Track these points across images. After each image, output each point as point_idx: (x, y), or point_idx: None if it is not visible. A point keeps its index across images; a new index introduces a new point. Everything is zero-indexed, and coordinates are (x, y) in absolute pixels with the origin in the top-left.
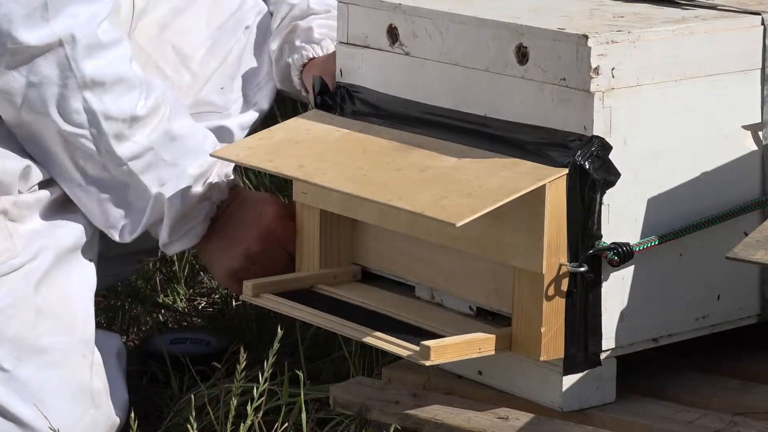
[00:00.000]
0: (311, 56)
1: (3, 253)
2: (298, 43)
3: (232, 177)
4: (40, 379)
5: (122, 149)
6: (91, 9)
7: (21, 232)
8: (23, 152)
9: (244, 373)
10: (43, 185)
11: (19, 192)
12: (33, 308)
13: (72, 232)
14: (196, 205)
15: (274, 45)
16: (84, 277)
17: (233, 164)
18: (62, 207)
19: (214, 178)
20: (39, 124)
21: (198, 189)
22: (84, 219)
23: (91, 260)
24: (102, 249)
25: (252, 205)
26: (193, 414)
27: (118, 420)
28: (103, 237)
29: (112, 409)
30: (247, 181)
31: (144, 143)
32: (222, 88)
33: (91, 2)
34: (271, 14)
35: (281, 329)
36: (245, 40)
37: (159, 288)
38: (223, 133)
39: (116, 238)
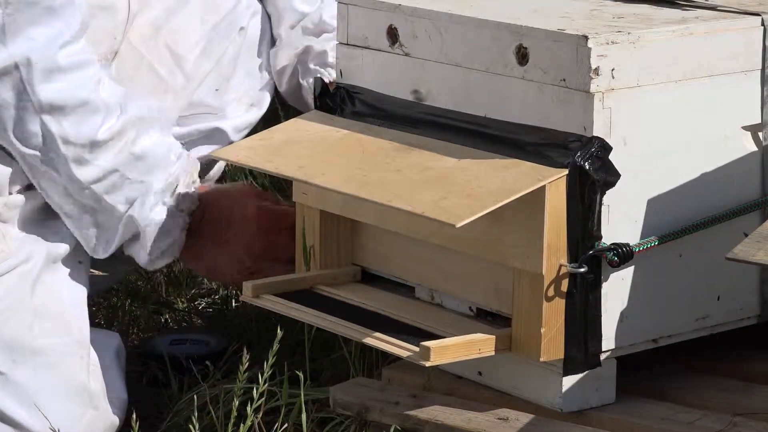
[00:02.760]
0: (327, 81)
1: None
2: (312, 66)
3: (197, 183)
4: (37, 381)
5: (83, 173)
6: (50, 32)
7: (13, 234)
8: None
9: (246, 374)
10: (32, 186)
11: (9, 193)
12: (30, 310)
13: (62, 234)
14: (169, 219)
15: (282, 60)
16: (75, 279)
17: (197, 170)
18: (52, 209)
19: (182, 189)
20: (5, 144)
21: (168, 202)
22: None
23: (81, 262)
24: None
25: (230, 205)
26: (195, 414)
27: (117, 420)
28: None
29: (111, 409)
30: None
31: (107, 167)
32: (217, 90)
33: (50, 25)
34: (269, 16)
35: (281, 330)
36: (240, 41)
37: (159, 288)
38: (217, 135)
39: (91, 254)
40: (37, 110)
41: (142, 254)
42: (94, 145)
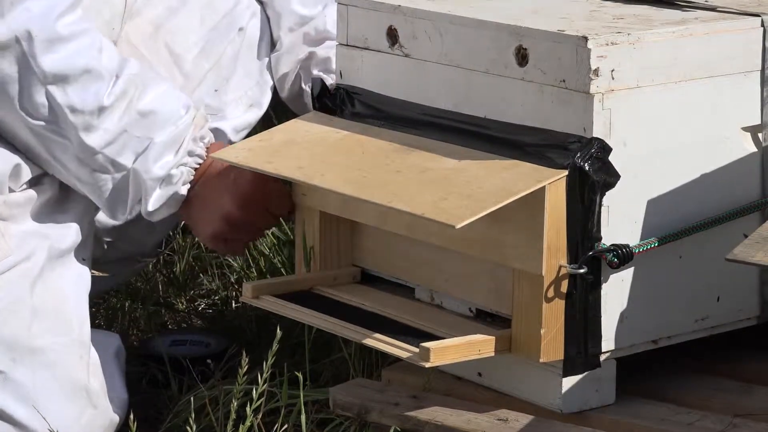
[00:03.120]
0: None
1: None
2: (315, 72)
3: (207, 139)
4: (36, 380)
5: (93, 139)
6: (46, 3)
7: (13, 232)
8: (12, 150)
9: (246, 377)
10: (33, 183)
11: (10, 190)
12: (29, 309)
13: (65, 231)
14: (173, 171)
15: (284, 66)
16: (78, 277)
17: (207, 124)
18: (55, 206)
19: (188, 144)
20: (10, 120)
21: (170, 156)
22: (77, 218)
23: (84, 260)
24: (98, 253)
25: (231, 168)
26: (192, 416)
27: (116, 419)
28: (99, 241)
29: (110, 408)
30: None
31: (115, 129)
32: (216, 90)
33: None
34: (267, 18)
35: (281, 330)
36: (240, 42)
37: (159, 289)
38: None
39: (111, 218)
40: (42, 81)
41: (144, 203)
42: (101, 111)
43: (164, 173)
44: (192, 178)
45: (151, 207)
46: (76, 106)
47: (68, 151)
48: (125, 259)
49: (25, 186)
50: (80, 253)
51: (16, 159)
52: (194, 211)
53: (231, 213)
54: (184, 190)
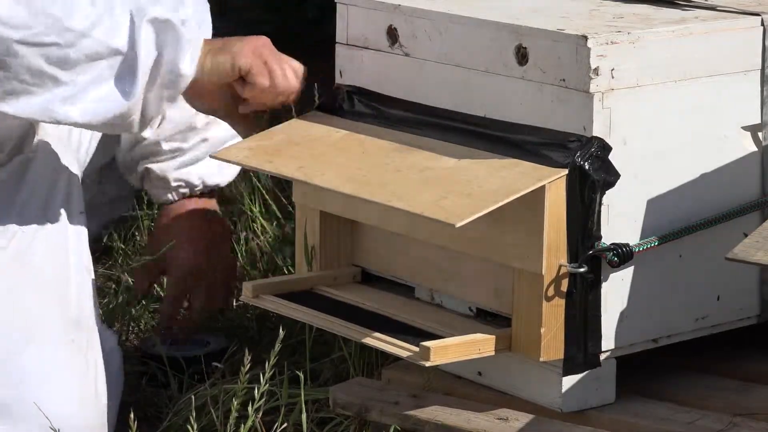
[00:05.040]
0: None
1: None
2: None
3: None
4: (34, 376)
5: (75, 23)
6: None
7: None
8: None
9: (248, 375)
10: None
11: None
12: (30, 293)
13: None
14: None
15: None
16: (78, 258)
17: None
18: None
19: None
20: None
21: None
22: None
23: (81, 213)
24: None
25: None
26: (194, 414)
27: (113, 417)
28: (89, 187)
29: (107, 407)
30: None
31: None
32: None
33: None
34: None
35: (283, 330)
36: None
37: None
38: None
39: (126, 98)
40: None
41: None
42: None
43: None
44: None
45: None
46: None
47: (60, 48)
48: (101, 205)
49: None
50: (76, 207)
51: None
52: (229, 39)
53: (266, 43)
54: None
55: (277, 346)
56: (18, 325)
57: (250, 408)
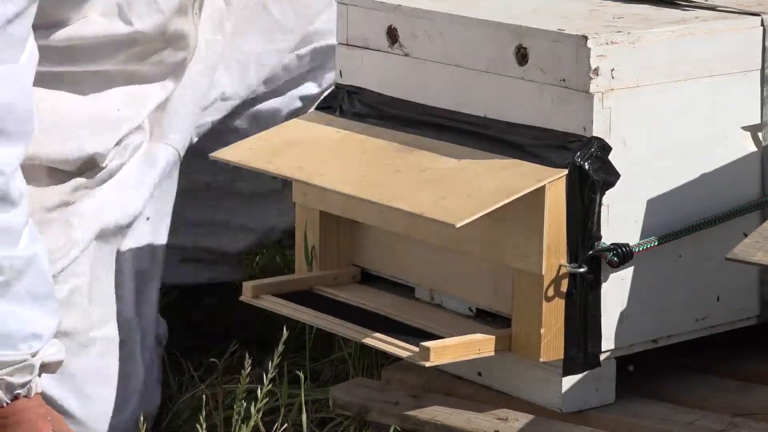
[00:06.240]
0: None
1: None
2: None
3: (20, 391)
4: (87, 371)
5: None
6: None
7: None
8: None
9: (248, 378)
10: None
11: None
12: (86, 298)
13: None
14: None
15: None
16: (129, 257)
17: (33, 377)
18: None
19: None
20: None
21: None
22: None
23: (149, 218)
24: None
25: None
26: (204, 414)
27: (158, 400)
28: None
29: (155, 389)
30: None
31: None
32: None
33: None
34: None
35: (287, 331)
36: None
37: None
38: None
39: None
40: None
41: None
42: None
43: None
44: None
45: None
46: None
47: None
48: None
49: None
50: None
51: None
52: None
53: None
54: None
55: (281, 347)
56: None
57: (252, 408)
